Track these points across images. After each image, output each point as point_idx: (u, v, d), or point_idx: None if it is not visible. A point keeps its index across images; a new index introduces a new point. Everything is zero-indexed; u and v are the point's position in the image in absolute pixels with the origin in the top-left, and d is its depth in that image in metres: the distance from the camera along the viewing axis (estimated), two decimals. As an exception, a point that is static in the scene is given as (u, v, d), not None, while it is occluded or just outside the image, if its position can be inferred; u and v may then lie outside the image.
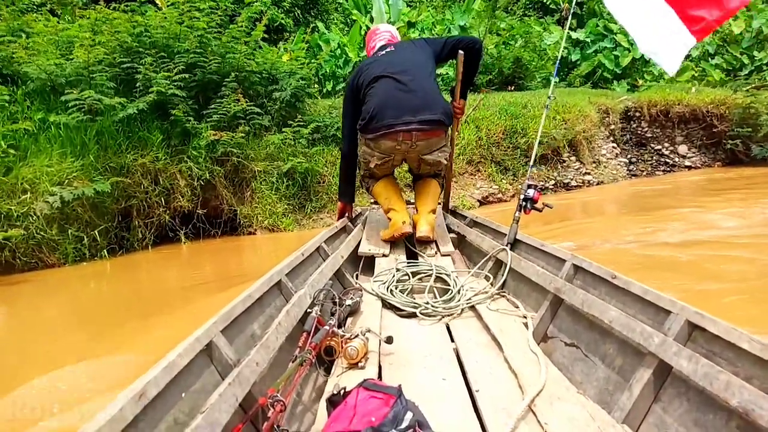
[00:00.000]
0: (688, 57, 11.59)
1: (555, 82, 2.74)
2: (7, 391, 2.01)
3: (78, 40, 5.08)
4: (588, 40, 11.48)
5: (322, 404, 1.13)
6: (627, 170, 7.86)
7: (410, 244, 2.63)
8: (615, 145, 7.96)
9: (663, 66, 2.46)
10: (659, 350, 1.15)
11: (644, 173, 8.00)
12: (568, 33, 11.74)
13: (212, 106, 5.29)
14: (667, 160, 8.16)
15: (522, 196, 2.34)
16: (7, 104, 4.71)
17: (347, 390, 1.02)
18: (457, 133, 3.23)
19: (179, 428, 0.92)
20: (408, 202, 3.34)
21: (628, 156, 8.08)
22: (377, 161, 2.50)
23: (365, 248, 2.51)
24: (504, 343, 1.49)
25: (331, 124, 5.98)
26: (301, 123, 5.67)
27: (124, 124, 4.92)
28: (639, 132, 8.24)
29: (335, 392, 1.04)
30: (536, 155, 2.78)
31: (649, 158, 8.15)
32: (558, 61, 3.12)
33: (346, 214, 3.01)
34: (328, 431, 0.92)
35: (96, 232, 4.55)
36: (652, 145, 8.22)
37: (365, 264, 2.51)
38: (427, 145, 2.43)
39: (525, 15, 12.29)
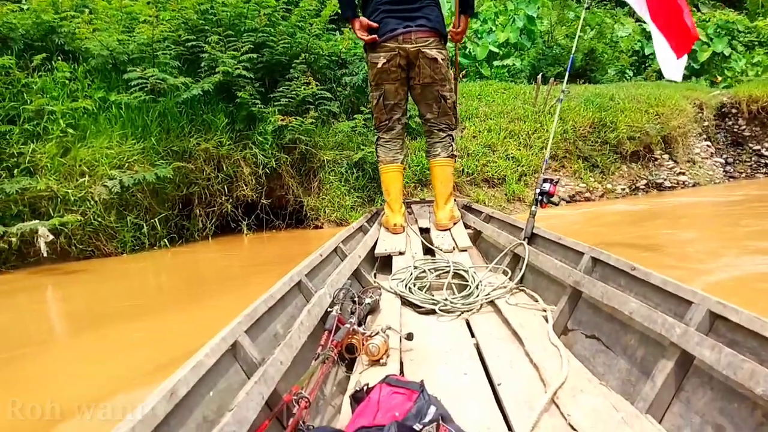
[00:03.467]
0: None
1: (569, 73, 2.84)
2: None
3: (142, 16, 4.76)
4: (664, 33, 10.64)
5: (346, 400, 1.12)
6: (723, 171, 7.04)
7: (426, 242, 2.68)
8: (709, 143, 7.15)
9: (667, 74, 2.82)
10: (681, 340, 1.12)
11: (743, 175, 7.15)
12: (642, 25, 10.93)
13: (280, 89, 4.87)
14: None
15: (538, 190, 2.39)
16: (67, 81, 4.43)
17: (370, 386, 1.02)
18: (459, 49, 3.15)
19: (208, 426, 0.92)
20: (423, 200, 3.61)
21: (724, 156, 7.25)
22: (384, 60, 2.70)
23: (381, 248, 2.53)
24: (524, 337, 1.47)
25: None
26: (373, 110, 5.18)
27: (188, 106, 4.57)
28: (735, 130, 7.40)
29: (358, 389, 1.03)
30: (551, 149, 2.84)
31: (747, 159, 7.29)
32: (573, 52, 3.01)
33: (358, 26, 2.85)
34: (353, 426, 0.91)
35: (156, 220, 4.20)
36: (750, 144, 7.35)
37: (383, 262, 2.55)
38: (425, 41, 2.70)
39: (596, 6, 11.53)
